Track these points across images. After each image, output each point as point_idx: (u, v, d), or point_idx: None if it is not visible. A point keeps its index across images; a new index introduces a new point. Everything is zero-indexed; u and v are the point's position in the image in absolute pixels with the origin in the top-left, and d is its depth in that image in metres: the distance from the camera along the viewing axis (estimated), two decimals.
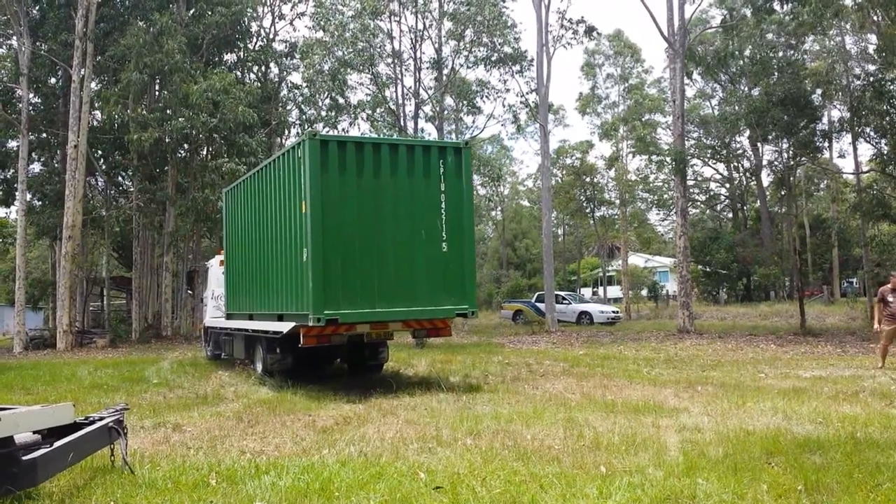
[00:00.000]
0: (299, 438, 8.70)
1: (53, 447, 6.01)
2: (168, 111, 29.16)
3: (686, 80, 32.40)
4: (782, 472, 6.53)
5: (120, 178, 36.45)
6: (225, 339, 17.18)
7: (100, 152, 33.42)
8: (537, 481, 6.37)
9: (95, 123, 32.25)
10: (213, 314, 18.79)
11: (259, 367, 14.31)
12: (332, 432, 8.99)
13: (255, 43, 35.96)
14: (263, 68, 36.60)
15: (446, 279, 12.18)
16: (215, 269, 19.26)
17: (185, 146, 31.24)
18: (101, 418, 7.09)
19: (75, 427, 6.77)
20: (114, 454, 7.12)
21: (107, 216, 32.72)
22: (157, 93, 31.96)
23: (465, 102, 37.45)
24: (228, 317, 16.56)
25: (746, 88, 40.42)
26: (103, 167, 34.31)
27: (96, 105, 31.13)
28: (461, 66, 36.35)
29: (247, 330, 14.61)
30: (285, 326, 12.09)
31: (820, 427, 8.63)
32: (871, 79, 28.53)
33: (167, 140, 28.89)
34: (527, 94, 37.14)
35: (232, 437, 8.88)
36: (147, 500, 6.08)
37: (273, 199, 13.17)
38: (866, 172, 35.04)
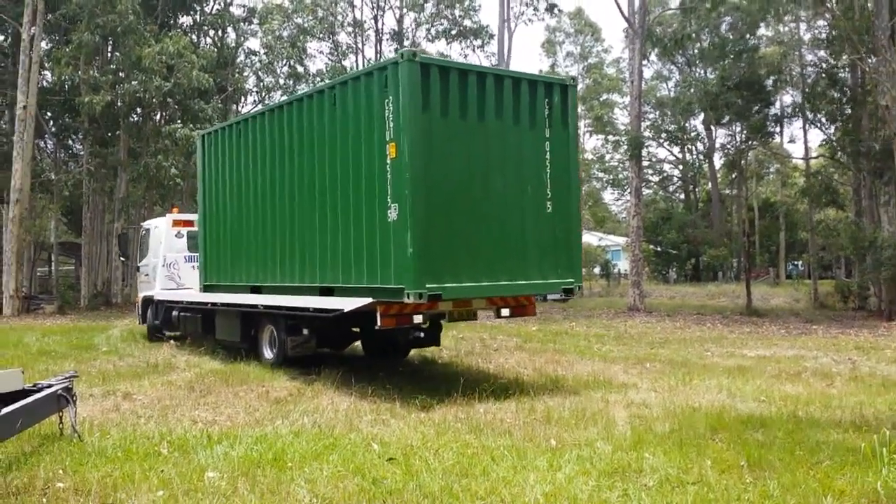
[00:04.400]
0: (252, 409, 8.70)
1: (1, 414, 5.93)
2: (121, 74, 28.46)
3: (644, 62, 32.64)
4: (726, 448, 6.74)
5: (70, 142, 35.54)
6: (187, 317, 14.73)
7: (49, 114, 32.55)
8: (489, 453, 6.48)
9: (45, 84, 31.35)
10: (166, 285, 16.36)
11: (269, 353, 12.07)
12: (286, 403, 9.01)
13: (212, 6, 35.20)
14: (220, 33, 35.88)
15: (552, 246, 10.08)
16: (164, 232, 16.74)
17: (138, 110, 30.55)
18: (50, 385, 7.01)
19: (24, 394, 6.69)
20: (62, 422, 7.06)
21: (56, 180, 31.92)
22: (109, 54, 31.14)
23: None
24: (206, 289, 14.12)
25: (703, 72, 40.93)
26: (53, 129, 33.43)
27: (47, 65, 30.24)
28: (422, 38, 36.17)
29: (255, 306, 11.84)
30: (350, 303, 9.52)
31: (763, 405, 8.91)
32: (825, 65, 29.13)
33: (119, 104, 28.22)
34: None
35: (183, 407, 8.84)
36: (97, 468, 6.03)
37: (318, 141, 10.59)
38: (815, 158, 35.82)
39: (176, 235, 16.61)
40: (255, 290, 12.46)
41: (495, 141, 9.59)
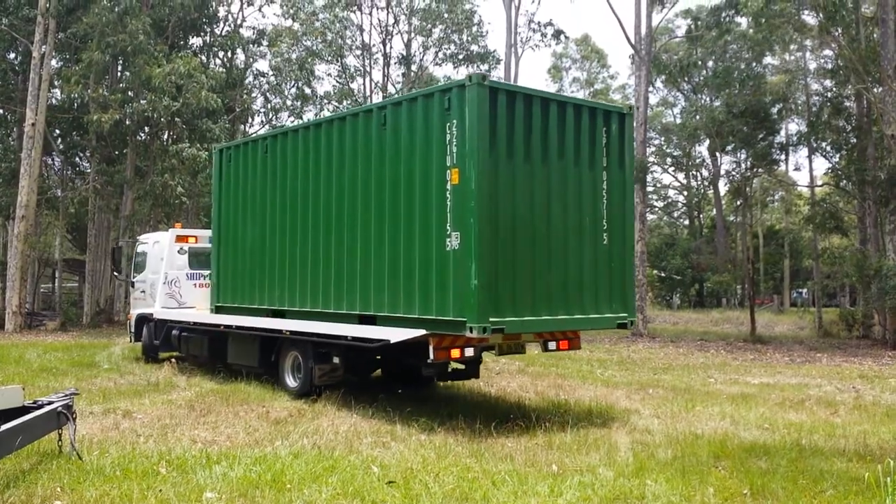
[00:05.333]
0: (252, 429, 8.66)
1: (0, 430, 5.91)
2: (130, 93, 28.62)
3: (650, 88, 32.81)
4: (729, 476, 6.69)
5: (77, 159, 35.69)
6: (191, 338, 14.01)
7: (58, 132, 32.71)
8: (490, 478, 6.44)
9: (54, 102, 31.54)
10: (166, 303, 15.53)
11: (291, 380, 11.41)
12: (286, 424, 8.97)
13: (223, 28, 35.48)
14: (229, 54, 36.12)
15: (606, 279, 9.72)
16: (167, 248, 15.84)
17: (146, 129, 30.69)
18: (50, 402, 7.00)
19: (23, 410, 6.68)
20: (62, 439, 7.04)
21: (62, 197, 32.03)
22: (119, 74, 31.36)
23: None
24: (218, 310, 13.45)
25: (708, 99, 41.12)
26: (60, 147, 33.57)
27: (56, 83, 30.44)
28: (430, 62, 36.42)
29: (279, 331, 11.25)
30: (399, 333, 9.05)
31: (766, 433, 8.84)
32: (829, 95, 29.24)
33: (128, 122, 28.35)
34: None
35: (183, 426, 8.81)
36: (95, 487, 6.01)
37: (362, 163, 10.10)
38: (820, 186, 35.86)
39: (178, 251, 15.81)
40: (278, 314, 11.85)
41: (555, 168, 9.25)
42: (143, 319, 15.94)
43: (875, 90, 23.08)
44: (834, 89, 29.23)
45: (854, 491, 6.12)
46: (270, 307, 12.01)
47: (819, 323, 29.82)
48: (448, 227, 8.70)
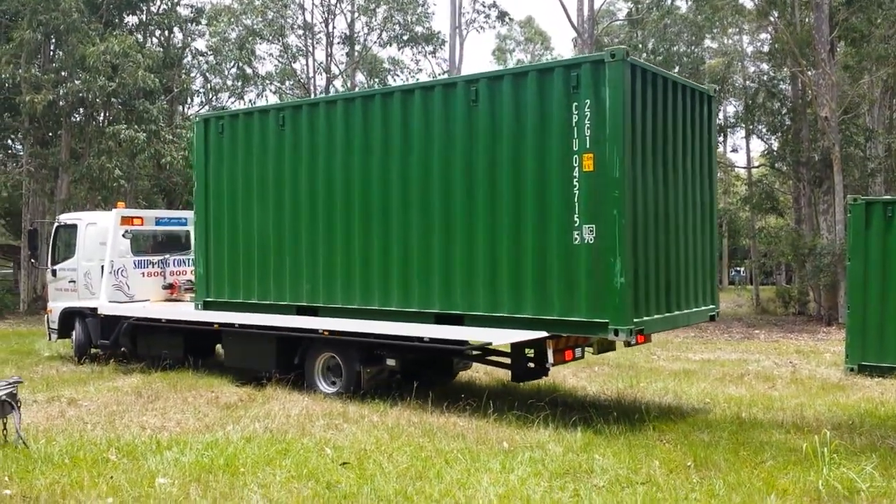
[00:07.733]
0: (202, 415, 8.60)
1: None
2: (63, 73, 27.79)
3: None
4: (673, 449, 6.91)
5: (9, 142, 34.59)
6: (155, 336, 12.57)
7: None
8: (443, 456, 6.53)
9: None
10: (113, 296, 13.25)
11: (324, 384, 10.15)
12: (237, 409, 8.93)
13: (159, 6, 34.62)
14: (167, 33, 35.27)
15: (701, 270, 9.27)
16: (111, 231, 13.53)
17: (81, 110, 29.87)
18: None
19: None
20: (6, 428, 6.91)
21: None
22: (52, 53, 30.40)
23: (376, 80, 37.26)
24: (206, 305, 11.53)
25: None
26: None
27: None
28: (374, 43, 36.15)
29: (313, 331, 10.00)
30: (506, 336, 8.38)
31: (708, 407, 9.13)
32: (766, 77, 29.97)
33: (61, 103, 27.56)
34: (439, 75, 37.25)
35: (131, 413, 8.71)
36: (44, 475, 5.92)
37: (441, 142, 8.90)
38: (757, 167, 36.79)
39: (123, 235, 13.66)
40: (304, 310, 10.24)
41: (670, 154, 8.64)
42: (73, 314, 13.85)
43: (809, 73, 23.72)
44: (770, 72, 29.97)
45: (793, 461, 6.38)
46: (296, 303, 10.33)
47: (756, 300, 30.71)
48: (577, 219, 7.87)
